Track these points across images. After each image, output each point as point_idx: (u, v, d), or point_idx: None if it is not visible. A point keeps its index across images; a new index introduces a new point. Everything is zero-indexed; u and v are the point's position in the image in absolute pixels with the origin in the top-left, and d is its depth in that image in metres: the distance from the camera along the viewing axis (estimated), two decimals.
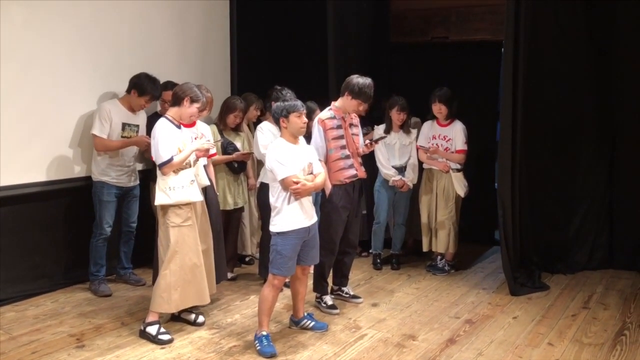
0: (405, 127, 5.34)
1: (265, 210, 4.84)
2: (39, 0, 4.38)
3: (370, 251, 5.61)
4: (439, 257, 5.40)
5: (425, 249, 5.46)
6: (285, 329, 4.04)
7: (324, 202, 4.33)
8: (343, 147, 4.28)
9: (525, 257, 5.21)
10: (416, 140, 5.37)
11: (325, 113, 4.34)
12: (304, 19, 6.29)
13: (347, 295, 4.60)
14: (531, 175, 5.29)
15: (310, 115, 5.00)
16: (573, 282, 5.12)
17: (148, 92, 4.55)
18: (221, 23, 6.03)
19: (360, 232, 4.85)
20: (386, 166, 5.28)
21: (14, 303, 4.39)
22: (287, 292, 4.79)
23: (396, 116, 5.28)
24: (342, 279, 4.59)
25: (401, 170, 5.34)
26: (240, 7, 6.10)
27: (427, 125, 5.37)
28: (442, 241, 5.30)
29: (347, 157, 4.28)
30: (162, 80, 4.81)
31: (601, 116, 5.39)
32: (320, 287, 4.42)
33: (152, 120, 4.52)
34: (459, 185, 5.22)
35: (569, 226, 5.51)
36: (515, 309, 4.45)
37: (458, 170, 5.23)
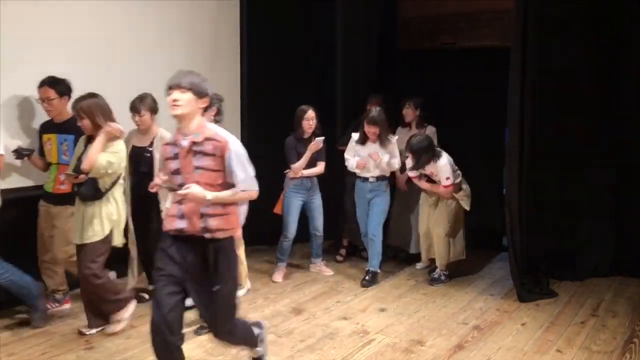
0: (383, 141, 5.03)
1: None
2: (43, 6, 4.41)
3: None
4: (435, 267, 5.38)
5: (424, 258, 5.46)
6: (293, 333, 4.04)
7: None
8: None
9: (533, 264, 5.19)
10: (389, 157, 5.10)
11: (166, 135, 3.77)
12: (313, 24, 6.30)
13: None
14: (539, 181, 5.27)
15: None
16: (581, 289, 5.10)
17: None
18: (231, 31, 6.06)
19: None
20: (349, 159, 5.18)
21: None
22: (294, 296, 4.81)
23: (366, 129, 5.02)
24: None
25: (379, 179, 5.14)
26: (249, 15, 6.13)
27: None
28: (447, 252, 5.27)
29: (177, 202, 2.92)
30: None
31: (610, 122, 5.38)
32: None
33: None
34: (462, 201, 5.19)
35: (576, 233, 5.50)
36: (523, 316, 4.44)
37: (460, 189, 5.17)
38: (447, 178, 5.02)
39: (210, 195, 2.81)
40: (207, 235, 2.87)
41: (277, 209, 5.30)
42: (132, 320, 4.18)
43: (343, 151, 5.32)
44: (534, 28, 4.76)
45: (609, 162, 5.44)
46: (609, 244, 5.48)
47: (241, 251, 4.57)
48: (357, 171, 5.16)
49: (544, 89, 5.14)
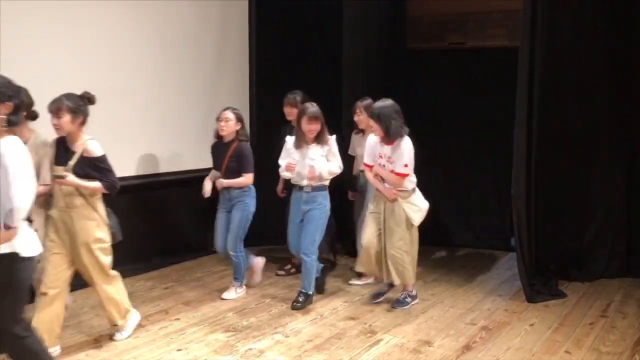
0: (320, 140, 4.45)
1: None
2: (57, 3, 4.45)
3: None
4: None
5: (385, 278, 4.59)
6: (300, 332, 4.05)
7: None
8: None
9: (541, 264, 5.16)
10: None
11: None
12: (322, 24, 6.31)
13: None
14: (547, 181, 5.24)
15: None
16: (590, 290, 5.06)
17: None
18: (239, 30, 6.08)
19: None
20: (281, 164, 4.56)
21: (32, 303, 4.43)
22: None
23: (306, 127, 4.41)
24: None
25: (315, 188, 4.49)
26: (258, 14, 6.15)
27: (373, 141, 4.47)
28: (399, 272, 4.47)
29: None
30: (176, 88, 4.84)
31: (619, 122, 5.34)
32: None
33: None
34: (412, 213, 4.42)
35: (585, 233, 5.46)
36: (531, 317, 4.41)
37: (408, 196, 4.42)
38: (405, 165, 4.32)
39: None
40: None
41: None
42: (141, 319, 4.20)
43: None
44: (542, 28, 4.75)
45: (619, 163, 5.40)
46: (619, 244, 5.44)
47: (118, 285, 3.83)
48: (286, 175, 4.54)
49: (553, 89, 5.12)
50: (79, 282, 4.75)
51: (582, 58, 5.25)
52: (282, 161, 4.53)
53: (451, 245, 6.42)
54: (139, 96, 5.07)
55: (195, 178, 5.72)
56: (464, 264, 5.86)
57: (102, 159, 3.57)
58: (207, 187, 4.65)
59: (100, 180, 3.55)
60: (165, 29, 5.30)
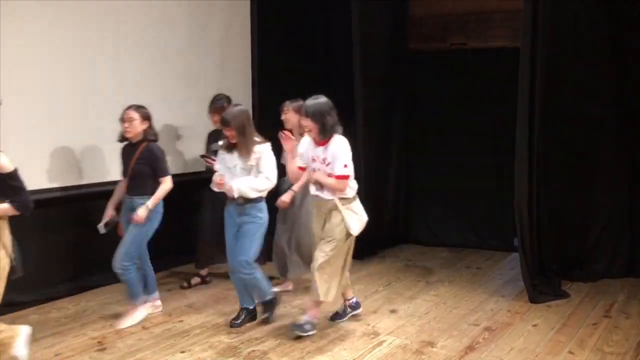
0: (241, 148, 3.98)
1: None
2: (61, 2, 4.47)
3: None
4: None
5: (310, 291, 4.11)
6: (303, 335, 4.04)
7: None
8: None
9: (544, 265, 5.16)
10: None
11: None
12: (326, 26, 6.31)
13: None
14: (549, 181, 5.24)
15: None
16: (593, 290, 5.06)
17: None
18: (242, 32, 6.09)
19: None
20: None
21: (37, 306, 4.46)
22: (305, 297, 4.81)
23: (226, 132, 4.02)
24: None
25: (249, 200, 4.02)
26: (260, 15, 6.16)
27: (305, 143, 4.01)
28: (324, 288, 3.90)
29: None
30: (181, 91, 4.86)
31: (621, 122, 5.34)
32: None
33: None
34: (352, 221, 3.89)
35: (588, 234, 5.45)
36: (534, 317, 4.41)
37: (348, 203, 3.90)
38: (345, 165, 3.80)
39: None
40: None
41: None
42: (144, 322, 4.22)
43: None
44: (544, 28, 4.74)
45: (622, 163, 5.40)
46: (622, 244, 5.43)
47: None
48: (215, 189, 4.09)
49: (555, 89, 5.11)
50: (79, 284, 4.82)
51: (583, 58, 5.25)
52: (217, 167, 4.16)
53: (454, 246, 6.43)
54: (141, 97, 5.06)
55: (195, 180, 5.75)
56: (466, 265, 5.86)
57: (13, 175, 3.11)
58: (108, 212, 4.21)
59: (10, 201, 3.11)
60: (166, 30, 5.31)
